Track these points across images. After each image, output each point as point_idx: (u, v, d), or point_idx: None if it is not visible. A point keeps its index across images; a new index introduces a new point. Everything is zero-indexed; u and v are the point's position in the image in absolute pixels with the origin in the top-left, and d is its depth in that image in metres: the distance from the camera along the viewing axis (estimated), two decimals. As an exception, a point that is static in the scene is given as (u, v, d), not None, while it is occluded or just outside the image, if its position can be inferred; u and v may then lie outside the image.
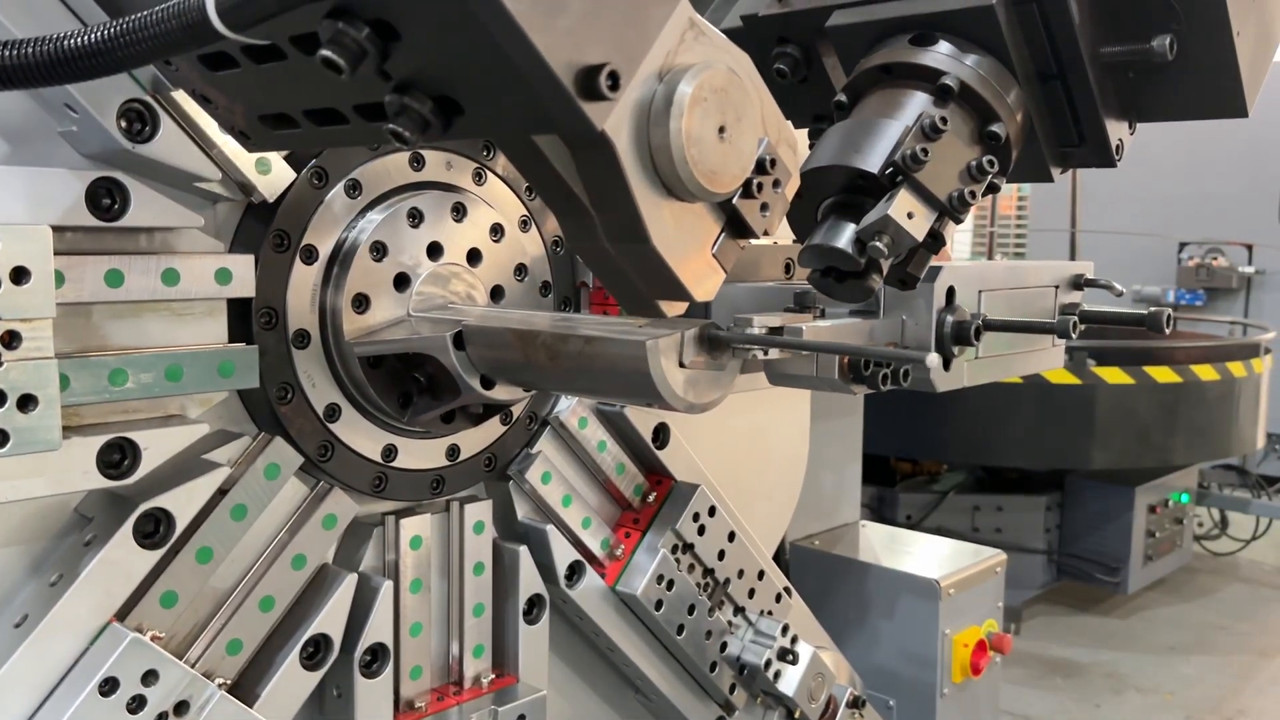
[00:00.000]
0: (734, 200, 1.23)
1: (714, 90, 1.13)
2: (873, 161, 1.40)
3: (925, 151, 1.39)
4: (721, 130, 1.16)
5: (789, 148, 1.29)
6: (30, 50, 1.00)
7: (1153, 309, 1.68)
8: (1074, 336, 1.67)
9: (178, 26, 0.95)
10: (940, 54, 1.49)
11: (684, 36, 1.11)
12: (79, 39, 0.99)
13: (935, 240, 1.44)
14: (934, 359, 1.35)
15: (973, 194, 1.44)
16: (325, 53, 0.94)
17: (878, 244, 1.37)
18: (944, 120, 1.42)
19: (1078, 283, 2.00)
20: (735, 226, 1.26)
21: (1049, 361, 1.98)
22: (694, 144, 1.12)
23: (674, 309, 1.31)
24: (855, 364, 1.57)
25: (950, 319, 1.66)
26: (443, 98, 1.01)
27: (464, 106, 1.02)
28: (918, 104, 1.47)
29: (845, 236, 1.41)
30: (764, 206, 1.27)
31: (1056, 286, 1.97)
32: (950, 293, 1.67)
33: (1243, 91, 1.55)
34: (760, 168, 1.23)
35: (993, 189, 1.49)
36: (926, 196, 1.40)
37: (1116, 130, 1.61)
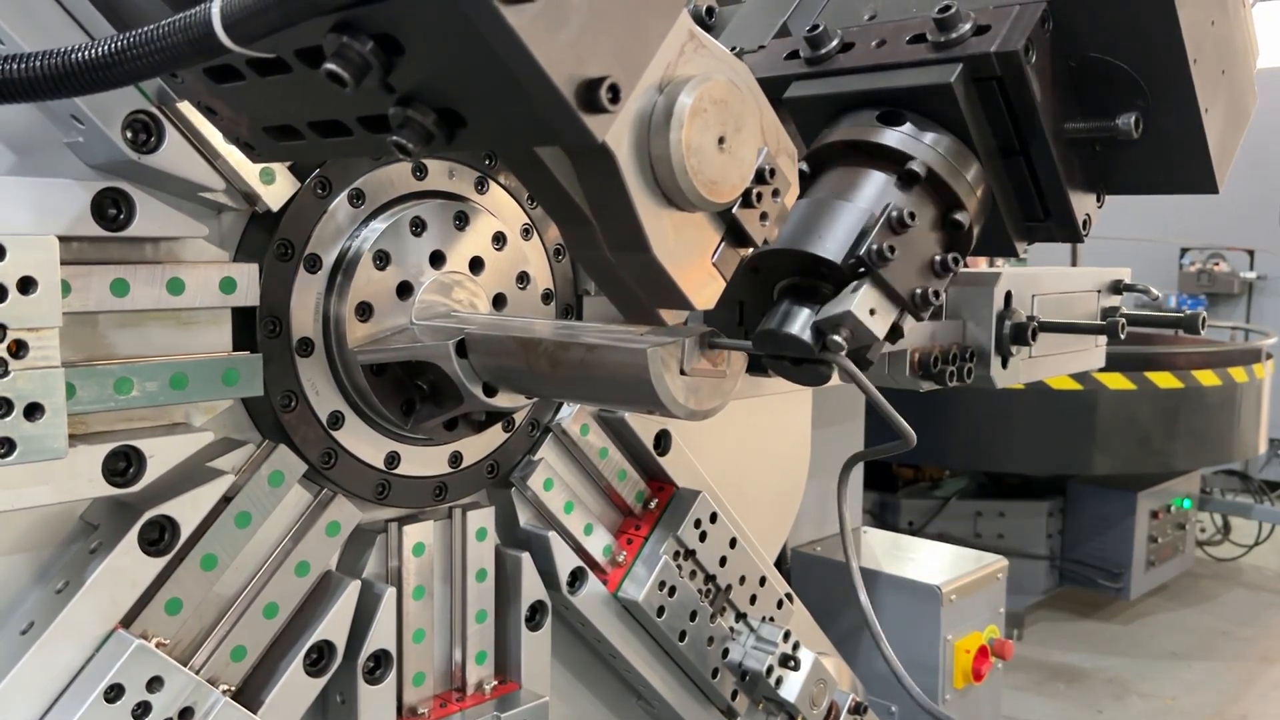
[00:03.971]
0: (734, 210, 1.24)
1: (714, 101, 1.14)
2: (833, 250, 1.38)
3: (892, 249, 1.36)
4: (721, 141, 1.17)
5: (788, 157, 1.30)
6: (38, 64, 1.01)
7: (1189, 311, 1.73)
8: (1122, 337, 1.72)
9: (184, 40, 0.96)
10: (905, 134, 1.46)
11: (684, 48, 1.12)
12: (86, 53, 1.00)
13: (894, 332, 1.42)
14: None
15: (935, 293, 1.42)
16: (330, 66, 0.96)
17: (837, 338, 1.35)
18: (911, 215, 1.39)
19: (1117, 287, 2.08)
20: (735, 235, 1.27)
21: (1091, 361, 2.07)
22: (694, 154, 1.13)
23: (674, 317, 1.32)
24: (925, 362, 1.61)
25: (1009, 321, 1.71)
26: (446, 110, 1.02)
27: (467, 119, 1.03)
28: (878, 186, 1.44)
29: (799, 323, 1.40)
30: (763, 215, 1.27)
31: (1098, 291, 2.03)
32: (1008, 296, 1.73)
33: (1213, 168, 1.51)
34: (760, 177, 1.24)
35: (953, 278, 1.47)
36: (889, 293, 1.38)
37: (1083, 204, 1.57)
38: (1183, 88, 1.43)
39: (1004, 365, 1.76)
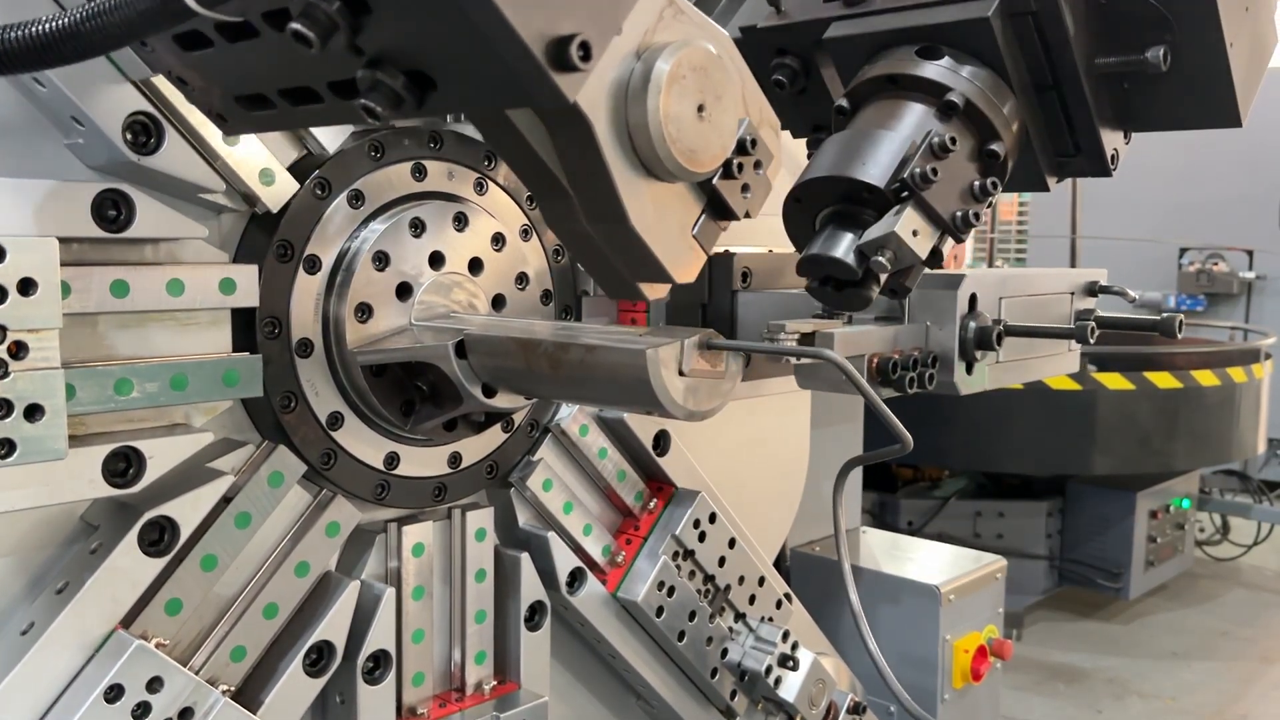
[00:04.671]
0: (714, 181, 1.22)
1: (693, 68, 1.12)
2: (877, 175, 1.41)
3: (935, 171, 1.40)
4: (701, 109, 1.15)
5: (771, 130, 1.27)
6: (12, 36, 1.00)
7: (1165, 314, 1.71)
8: (1091, 341, 1.71)
9: (152, 4, 0.95)
10: (944, 67, 1.51)
11: (662, 14, 1.11)
12: (56, 22, 0.99)
13: (934, 257, 1.45)
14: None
15: (976, 215, 1.46)
16: (296, 26, 0.93)
17: (880, 259, 1.38)
18: (953, 140, 1.44)
19: (1092, 289, 2.04)
20: (716, 208, 1.25)
21: (1065, 366, 2.03)
22: (672, 122, 1.11)
23: (655, 291, 1.30)
24: (883, 367, 1.60)
25: (973, 324, 1.69)
26: (415, 72, 1.00)
27: (437, 81, 1.00)
28: (917, 116, 1.48)
29: (843, 246, 1.42)
30: (745, 187, 1.25)
31: (1072, 293, 2.00)
32: (973, 299, 1.71)
33: (1237, 101, 1.56)
34: (741, 148, 1.22)
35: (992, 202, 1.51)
36: (931, 216, 1.42)
37: (1112, 140, 1.63)
38: (1209, 21, 1.47)
39: (968, 371, 1.71)
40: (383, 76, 0.98)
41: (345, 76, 1.03)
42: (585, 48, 0.98)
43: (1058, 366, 2.00)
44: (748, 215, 1.29)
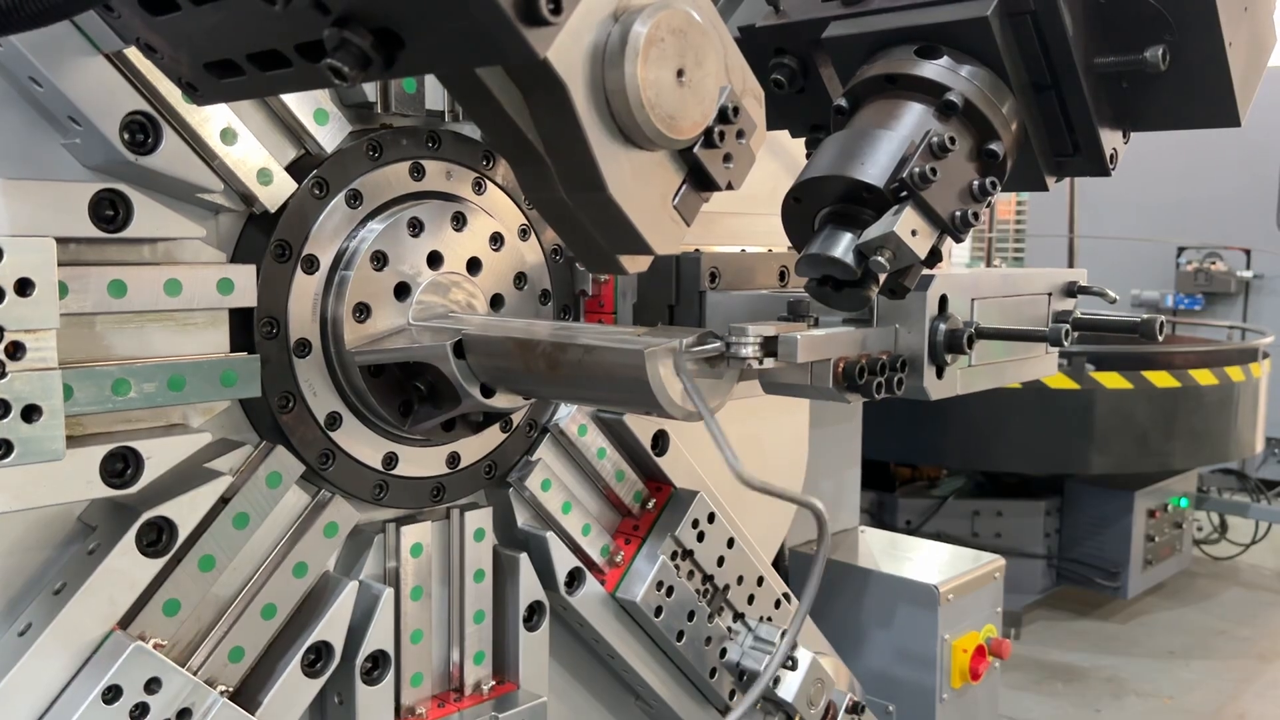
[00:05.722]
0: (695, 149, 1.20)
1: (672, 31, 1.10)
2: (875, 175, 1.41)
3: (934, 171, 1.40)
4: (680, 74, 1.12)
5: (754, 99, 1.25)
6: None
7: (1145, 316, 1.69)
8: (1066, 344, 1.69)
9: None
10: (943, 67, 1.51)
11: None
12: None
13: (933, 256, 1.45)
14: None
15: (975, 215, 1.46)
16: None
17: (879, 259, 1.38)
18: (952, 140, 1.43)
19: (1071, 290, 2.01)
20: (698, 178, 1.23)
21: (1042, 369, 1.98)
22: (650, 87, 1.08)
23: (634, 264, 1.28)
24: (850, 372, 1.58)
25: (943, 327, 1.66)
26: (383, 30, 0.97)
27: (405, 39, 0.97)
28: (916, 116, 1.48)
29: (842, 246, 1.42)
30: (727, 157, 1.23)
31: (1050, 294, 1.97)
32: (943, 301, 1.68)
33: (1235, 101, 1.56)
34: (723, 117, 1.20)
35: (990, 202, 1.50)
36: (930, 215, 1.41)
37: (1110, 139, 1.63)
38: (1208, 21, 1.48)
39: (939, 375, 1.67)
40: (350, 35, 0.95)
41: (312, 38, 1.00)
42: (556, 0, 0.95)
43: (1034, 370, 1.96)
44: (730, 186, 1.26)
